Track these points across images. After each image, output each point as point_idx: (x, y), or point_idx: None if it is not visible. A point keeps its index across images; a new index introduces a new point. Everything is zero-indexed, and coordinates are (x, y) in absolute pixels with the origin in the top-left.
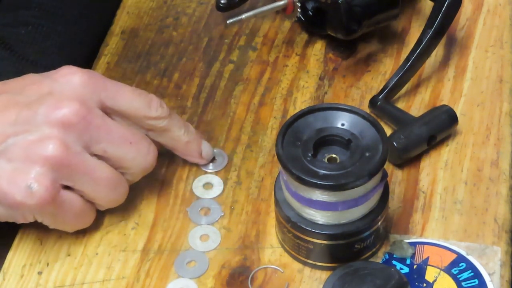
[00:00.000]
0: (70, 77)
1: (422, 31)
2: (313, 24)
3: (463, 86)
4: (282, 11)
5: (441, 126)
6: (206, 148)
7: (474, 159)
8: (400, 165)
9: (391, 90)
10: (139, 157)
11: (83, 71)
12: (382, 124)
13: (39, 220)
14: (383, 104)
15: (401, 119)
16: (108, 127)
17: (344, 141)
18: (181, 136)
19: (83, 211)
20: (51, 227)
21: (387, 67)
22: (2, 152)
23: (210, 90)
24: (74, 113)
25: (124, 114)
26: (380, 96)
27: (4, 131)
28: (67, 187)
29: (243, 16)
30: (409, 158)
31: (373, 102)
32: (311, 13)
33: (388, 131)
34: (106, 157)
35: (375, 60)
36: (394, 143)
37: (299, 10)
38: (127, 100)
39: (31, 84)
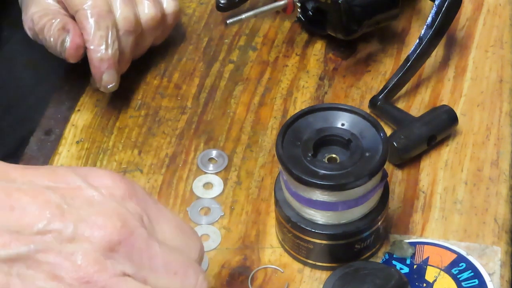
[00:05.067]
0: (112, 188)
1: (422, 31)
2: (313, 24)
3: (463, 86)
4: (282, 11)
5: (441, 126)
6: None
7: (474, 159)
8: (400, 165)
9: (391, 90)
10: None
11: (125, 181)
12: (382, 124)
13: None
14: (383, 104)
15: (401, 119)
16: (151, 252)
17: (344, 141)
18: None
19: None
20: None
21: (387, 67)
22: (24, 257)
23: (210, 90)
24: (116, 234)
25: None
26: (380, 96)
27: (32, 232)
28: None
29: (243, 16)
30: (409, 158)
31: (373, 102)
32: (311, 13)
33: (388, 131)
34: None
35: (375, 60)
36: (394, 143)
37: (299, 10)
38: (167, 235)
39: (67, 185)
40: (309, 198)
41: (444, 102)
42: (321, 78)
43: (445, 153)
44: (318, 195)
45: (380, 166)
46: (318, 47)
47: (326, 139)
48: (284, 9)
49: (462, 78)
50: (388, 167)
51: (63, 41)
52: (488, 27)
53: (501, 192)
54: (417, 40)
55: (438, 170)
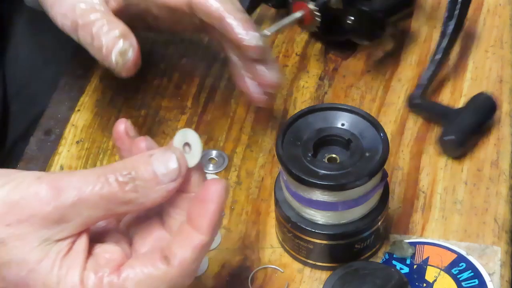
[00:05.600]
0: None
1: (443, 24)
2: (329, 32)
3: (463, 86)
4: (300, 24)
5: (486, 113)
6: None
7: (474, 159)
8: (400, 165)
9: (426, 87)
10: None
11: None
12: (424, 120)
13: None
14: (421, 101)
15: (445, 113)
16: None
17: (344, 141)
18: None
19: None
20: None
21: (387, 67)
22: None
23: (210, 90)
24: None
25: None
26: (417, 94)
27: None
28: None
29: (268, 33)
30: (466, 151)
31: (411, 101)
32: (327, 22)
33: (431, 126)
34: None
35: (375, 60)
36: (453, 137)
37: (318, 19)
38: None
39: None
40: (309, 198)
41: (444, 102)
42: (321, 78)
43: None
44: (318, 195)
45: (380, 166)
46: (318, 47)
47: (326, 139)
48: (302, 20)
49: (462, 78)
50: (388, 167)
51: (125, 52)
52: (488, 27)
53: (501, 192)
54: (440, 34)
55: (438, 170)
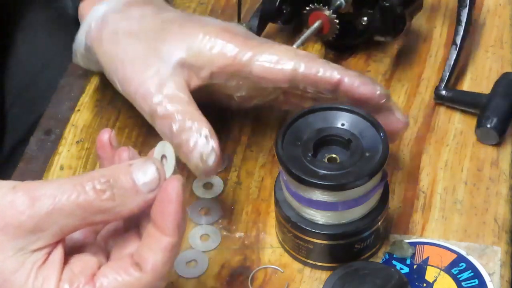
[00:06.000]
0: None
1: (457, 12)
2: (342, 37)
3: (463, 86)
4: (320, 32)
5: None
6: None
7: (474, 159)
8: (400, 165)
9: (450, 77)
10: None
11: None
12: (456, 111)
13: None
14: (448, 93)
15: (476, 101)
16: None
17: (344, 141)
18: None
19: None
20: None
21: (387, 67)
22: None
23: None
24: None
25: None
26: (443, 86)
27: None
28: None
29: (294, 46)
30: (505, 135)
31: (438, 94)
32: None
33: (463, 116)
34: None
35: (375, 60)
36: (488, 125)
37: (337, 25)
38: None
39: None
40: (309, 198)
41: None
42: None
43: (445, 153)
44: (318, 195)
45: (380, 166)
46: (318, 47)
47: (326, 139)
48: (321, 29)
49: (462, 78)
50: (388, 167)
51: (207, 157)
52: (488, 27)
53: (501, 192)
54: (456, 22)
55: (438, 170)
